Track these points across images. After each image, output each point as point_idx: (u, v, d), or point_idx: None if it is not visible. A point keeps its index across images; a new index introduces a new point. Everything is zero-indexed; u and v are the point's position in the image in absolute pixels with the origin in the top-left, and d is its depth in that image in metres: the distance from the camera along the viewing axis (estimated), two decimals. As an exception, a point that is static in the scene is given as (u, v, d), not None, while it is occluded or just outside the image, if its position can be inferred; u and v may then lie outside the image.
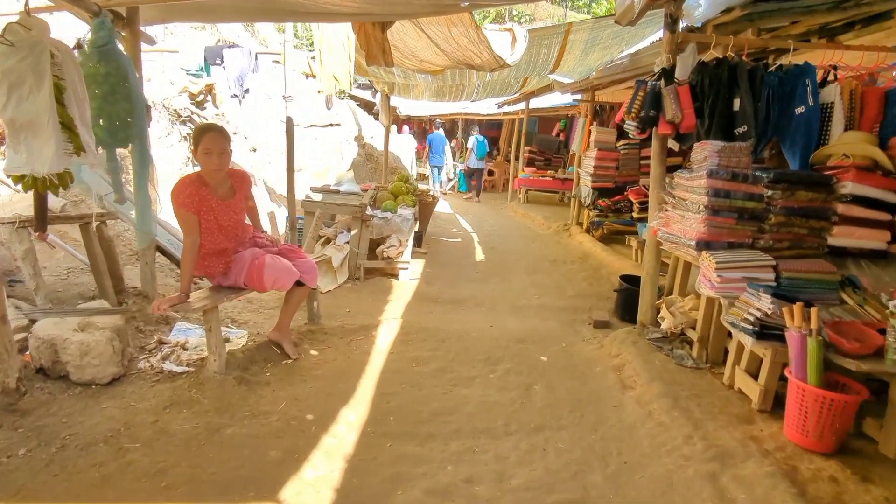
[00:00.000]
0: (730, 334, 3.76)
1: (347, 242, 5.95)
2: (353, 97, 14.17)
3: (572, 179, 13.49)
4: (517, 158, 14.89)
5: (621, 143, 8.92)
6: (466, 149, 14.50)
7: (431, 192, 9.29)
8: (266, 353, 3.83)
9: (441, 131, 15.15)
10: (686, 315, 4.12)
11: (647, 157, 9.11)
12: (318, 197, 6.01)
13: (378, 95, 8.27)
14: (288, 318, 3.91)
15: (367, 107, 14.87)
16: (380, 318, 4.92)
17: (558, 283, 6.49)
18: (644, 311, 4.54)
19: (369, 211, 5.99)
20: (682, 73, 4.24)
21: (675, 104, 3.98)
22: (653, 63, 5.97)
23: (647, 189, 8.98)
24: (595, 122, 9.30)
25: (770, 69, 4.13)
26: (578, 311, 5.51)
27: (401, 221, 5.95)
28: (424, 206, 8.45)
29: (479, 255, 7.84)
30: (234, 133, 7.88)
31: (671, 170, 8.94)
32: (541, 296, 6.00)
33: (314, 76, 8.74)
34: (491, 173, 17.03)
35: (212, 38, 8.42)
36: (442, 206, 12.95)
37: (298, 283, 3.74)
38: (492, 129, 20.07)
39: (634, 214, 8.59)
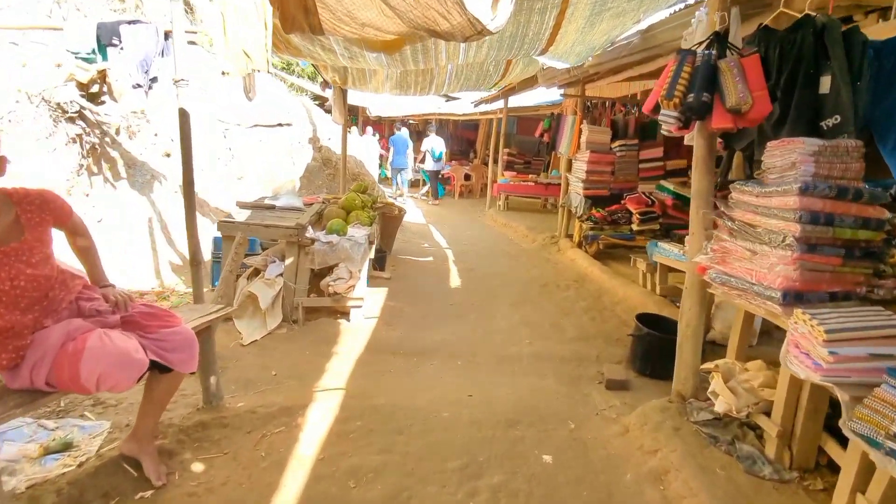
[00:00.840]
0: (833, 430, 2.46)
1: (281, 275, 4.51)
2: (305, 91, 12.69)
3: (557, 184, 12.24)
4: (495, 162, 13.58)
5: (617, 144, 7.65)
6: (420, 151, 13.53)
7: (398, 202, 7.88)
8: (111, 479, 2.38)
9: (405, 132, 14.07)
10: (755, 394, 2.79)
11: (649, 161, 7.85)
12: (241, 215, 4.56)
13: (331, 91, 6.83)
14: (150, 421, 2.47)
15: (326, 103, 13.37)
16: (314, 387, 3.50)
17: (554, 319, 5.15)
18: (683, 379, 3.21)
19: (310, 233, 4.57)
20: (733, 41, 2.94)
21: (741, 83, 2.65)
22: (674, 40, 4.69)
23: (649, 197, 7.73)
24: (585, 121, 8.01)
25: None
26: (584, 363, 4.17)
27: (351, 246, 4.52)
28: (389, 221, 7.05)
29: (455, 280, 6.46)
30: (155, 134, 6.36)
31: (673, 175, 7.70)
32: (533, 339, 4.64)
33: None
34: (468, 178, 15.70)
35: (109, 8, 6.82)
36: (413, 215, 11.55)
37: (163, 369, 2.32)
38: (468, 130, 18.76)
39: (634, 227, 7.32)
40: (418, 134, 19.13)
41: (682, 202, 7.40)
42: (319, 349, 4.17)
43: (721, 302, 4.28)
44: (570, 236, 8.48)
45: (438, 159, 13.46)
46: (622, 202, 7.56)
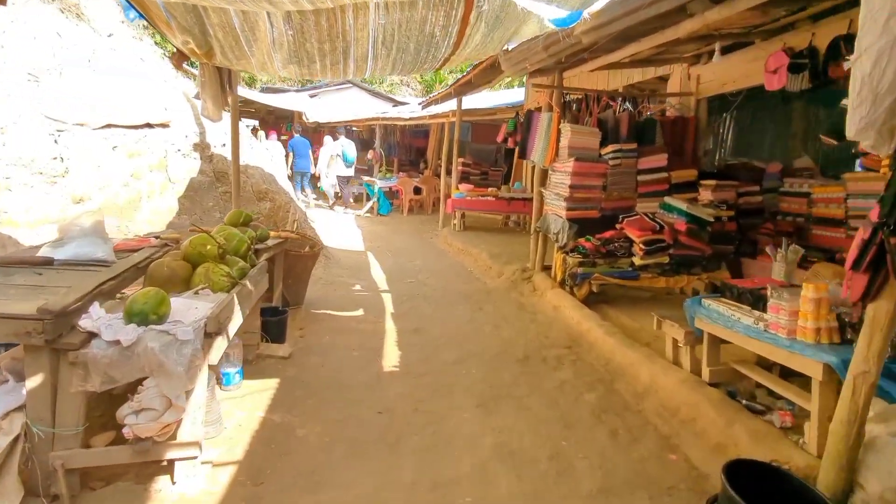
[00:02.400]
0: None
1: (20, 410, 2.20)
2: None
3: (521, 199, 10.24)
4: (448, 173, 11.50)
5: (610, 149, 5.66)
6: (333, 156, 12.39)
7: (306, 216, 5.66)
8: None
9: (301, 136, 13.01)
10: None
11: (650, 171, 5.88)
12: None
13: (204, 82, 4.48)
14: None
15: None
16: None
17: (553, 443, 2.99)
18: None
19: (88, 320, 2.26)
20: None
21: None
22: None
23: (653, 220, 5.77)
24: (565, 119, 6.00)
25: None
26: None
27: (163, 347, 2.23)
28: (296, 263, 4.80)
29: (391, 354, 4.23)
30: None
31: (679, 189, 5.76)
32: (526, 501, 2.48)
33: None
34: (418, 191, 13.53)
35: None
36: (349, 239, 9.25)
37: None
38: (417, 137, 16.64)
39: (637, 260, 5.34)
40: (363, 143, 16.86)
41: (699, 227, 5.48)
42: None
43: (879, 439, 2.26)
44: (547, 268, 6.43)
45: (350, 164, 12.21)
46: (618, 227, 5.57)
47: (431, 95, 9.94)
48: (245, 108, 21.02)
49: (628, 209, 5.81)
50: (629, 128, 5.89)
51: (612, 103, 6.17)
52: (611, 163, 5.65)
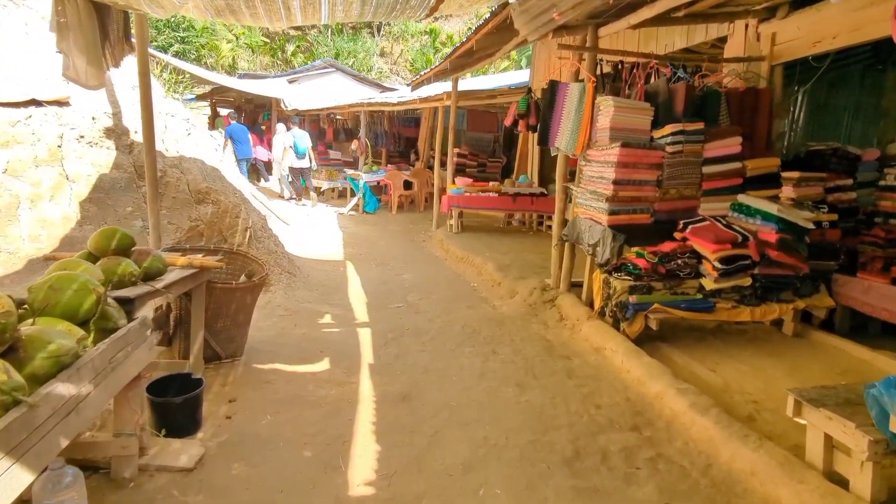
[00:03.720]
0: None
1: None
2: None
3: (528, 195, 8.70)
4: (443, 165, 9.92)
5: (668, 131, 4.10)
6: (287, 147, 11.21)
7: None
8: None
9: (238, 122, 12.30)
10: None
11: (718, 161, 4.33)
12: None
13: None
14: None
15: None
16: None
17: None
18: None
19: None
20: None
21: None
22: None
23: (729, 227, 4.15)
24: (605, 90, 4.44)
25: None
26: None
27: None
28: (229, 299, 3.22)
29: (363, 455, 2.65)
30: None
31: (757, 184, 4.25)
32: None
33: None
34: (409, 185, 11.93)
35: None
36: (328, 245, 7.65)
37: None
38: (408, 125, 14.98)
39: (708, 284, 3.84)
40: (347, 133, 15.20)
41: (795, 236, 3.96)
42: None
43: None
44: (576, 286, 4.92)
45: (302, 155, 11.16)
46: (680, 236, 4.05)
47: (423, 73, 8.33)
48: (222, 98, 19.24)
49: (689, 212, 4.28)
50: (686, 103, 4.33)
51: (663, 70, 4.62)
52: (669, 149, 4.10)
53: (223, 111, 19.38)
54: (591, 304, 4.64)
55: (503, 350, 3.91)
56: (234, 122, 11.90)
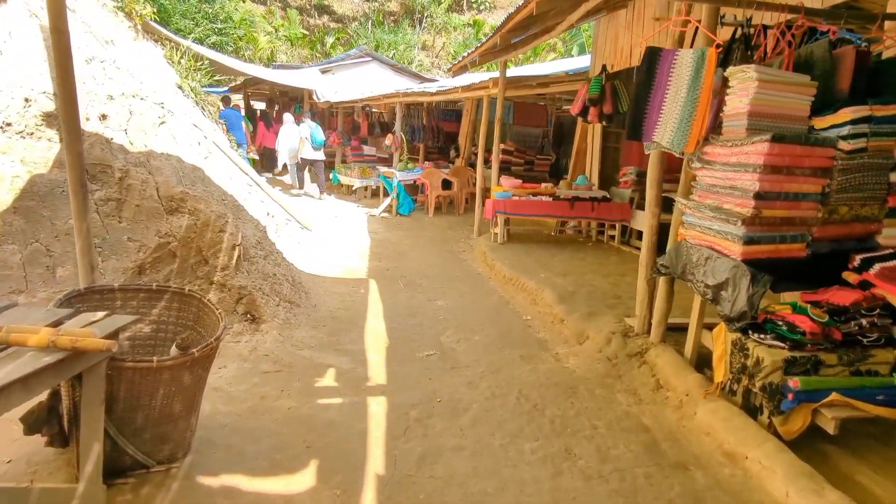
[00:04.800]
0: None
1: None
2: None
3: (590, 200, 7.25)
4: (486, 163, 8.57)
5: (844, 117, 2.63)
6: (303, 139, 10.78)
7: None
8: None
9: (236, 108, 12.37)
10: None
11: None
12: None
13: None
14: None
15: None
16: None
17: None
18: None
19: None
20: None
21: None
22: None
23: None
24: (737, 57, 3.01)
25: None
26: None
27: None
28: (141, 379, 1.98)
29: None
30: None
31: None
32: None
33: None
34: (447, 185, 10.63)
35: None
36: (349, 257, 6.42)
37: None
38: (447, 119, 13.66)
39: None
40: (382, 127, 14.01)
41: None
42: None
43: None
44: (674, 330, 3.52)
45: (319, 146, 10.83)
46: (859, 279, 2.60)
47: (465, 54, 6.98)
48: (257, 90, 18.42)
49: (863, 239, 2.82)
50: (854, 75, 2.85)
51: (815, 24, 3.13)
52: (845, 145, 2.64)
53: (258, 105, 18.62)
54: (698, 360, 3.24)
55: (583, 449, 2.56)
56: (228, 107, 11.53)
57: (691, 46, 3.24)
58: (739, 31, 3.21)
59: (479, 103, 11.76)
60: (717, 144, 2.91)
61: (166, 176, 3.58)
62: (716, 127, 3.01)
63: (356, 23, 28.84)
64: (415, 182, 10.62)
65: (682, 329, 3.65)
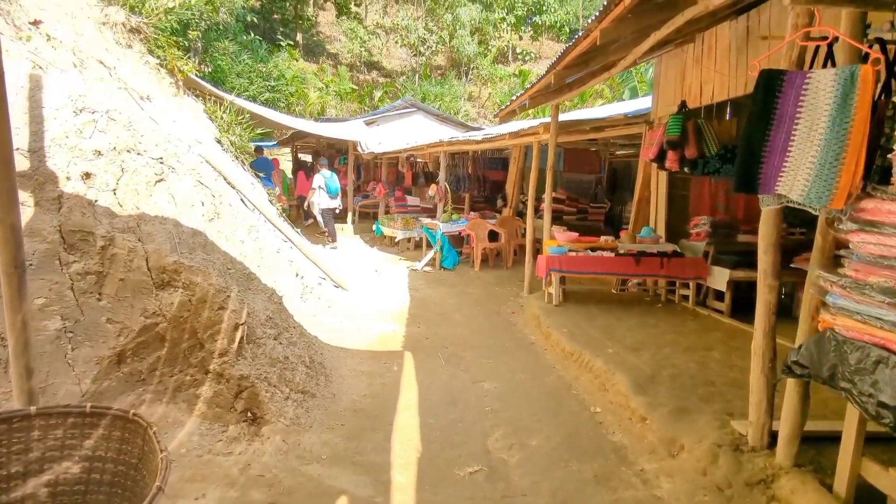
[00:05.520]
0: None
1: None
2: None
3: (658, 256, 6.28)
4: (537, 212, 7.78)
5: None
6: (316, 188, 10.90)
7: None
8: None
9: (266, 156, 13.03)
10: None
11: None
12: None
13: None
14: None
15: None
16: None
17: None
18: None
19: None
20: None
21: None
22: None
23: None
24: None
25: None
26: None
27: None
28: None
29: None
30: None
31: None
32: None
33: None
34: (494, 236, 9.88)
35: None
36: (383, 319, 5.66)
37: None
38: (494, 167, 13.08)
39: None
40: (427, 177, 13.56)
41: None
42: None
43: None
44: (809, 440, 2.51)
45: (335, 195, 10.77)
46: None
47: (515, 97, 6.33)
48: (305, 144, 18.57)
49: None
50: None
51: None
52: None
53: (305, 157, 18.75)
54: (856, 500, 2.23)
55: None
56: (261, 156, 12.08)
57: (826, 65, 2.39)
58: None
59: (527, 150, 11.11)
60: (886, 199, 2.01)
61: (159, 243, 2.99)
62: (873, 173, 2.13)
63: (403, 77, 29.39)
64: (459, 234, 9.93)
65: (821, 438, 2.66)
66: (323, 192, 10.64)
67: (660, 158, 4.03)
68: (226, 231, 3.74)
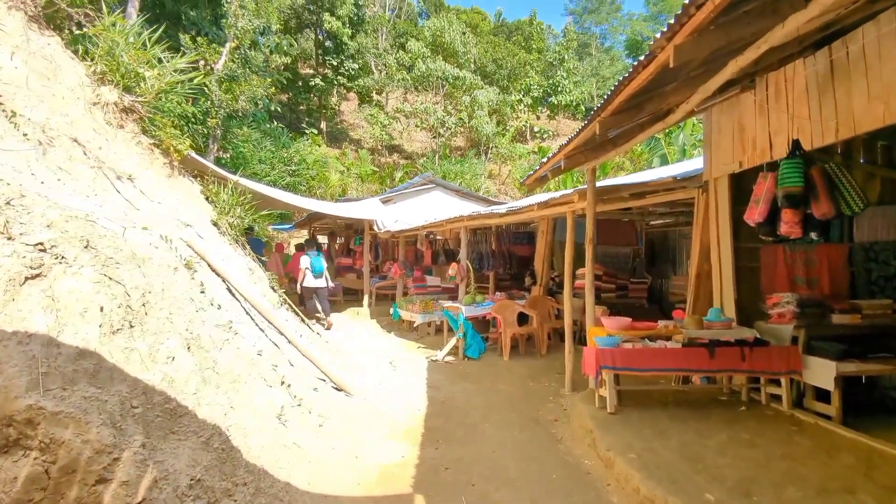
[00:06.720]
0: None
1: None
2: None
3: (738, 345, 4.87)
4: (577, 290, 6.52)
5: None
6: (303, 269, 10.43)
7: None
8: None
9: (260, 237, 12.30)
10: None
11: None
12: None
13: None
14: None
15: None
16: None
17: None
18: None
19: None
20: None
21: None
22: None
23: None
24: None
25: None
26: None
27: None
28: None
29: None
30: None
31: None
32: None
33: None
34: (524, 319, 8.59)
35: None
36: (393, 435, 4.33)
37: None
38: (519, 242, 11.99)
39: None
40: (447, 255, 12.54)
41: None
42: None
43: None
44: None
45: (318, 274, 10.42)
46: None
47: (546, 159, 5.31)
48: (323, 225, 17.98)
49: None
50: None
51: None
52: None
53: (322, 238, 18.10)
54: None
55: None
56: (250, 238, 11.91)
57: None
58: None
59: (556, 223, 10.05)
60: None
61: (8, 377, 1.88)
62: None
63: (424, 157, 29.45)
64: (484, 317, 8.68)
65: None
66: (308, 272, 10.34)
67: (769, 223, 2.87)
68: (144, 345, 2.58)
